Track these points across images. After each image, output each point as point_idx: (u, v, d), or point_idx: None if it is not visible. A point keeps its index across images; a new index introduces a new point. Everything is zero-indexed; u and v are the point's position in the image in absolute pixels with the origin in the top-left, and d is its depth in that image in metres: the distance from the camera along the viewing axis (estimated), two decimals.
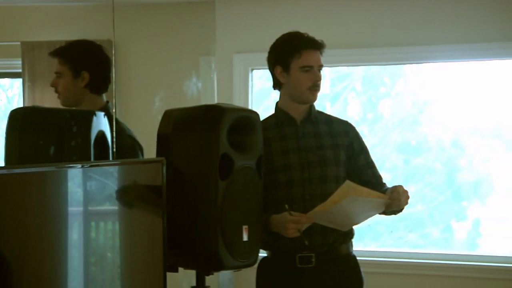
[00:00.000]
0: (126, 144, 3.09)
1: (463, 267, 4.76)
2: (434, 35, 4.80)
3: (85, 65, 3.20)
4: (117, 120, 3.22)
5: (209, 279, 2.67)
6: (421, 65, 5.15)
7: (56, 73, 3.23)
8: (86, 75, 3.18)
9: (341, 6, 4.97)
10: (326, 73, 5.30)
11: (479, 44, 4.72)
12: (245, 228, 2.60)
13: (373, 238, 5.26)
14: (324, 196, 2.86)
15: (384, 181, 3.17)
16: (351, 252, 3.12)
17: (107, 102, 3.26)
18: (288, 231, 2.82)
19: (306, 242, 2.89)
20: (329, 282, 3.03)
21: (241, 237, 2.59)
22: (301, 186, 2.99)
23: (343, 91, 5.27)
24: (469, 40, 4.74)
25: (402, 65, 5.20)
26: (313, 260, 2.98)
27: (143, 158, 3.10)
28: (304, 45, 3.03)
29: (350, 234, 3.10)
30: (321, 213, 2.80)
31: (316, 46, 3.05)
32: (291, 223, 2.81)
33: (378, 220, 5.21)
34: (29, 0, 5.48)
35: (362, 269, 3.14)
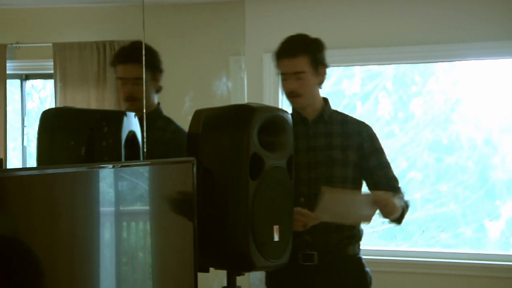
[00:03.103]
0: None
1: (496, 267, 4.71)
2: (465, 33, 4.75)
3: (161, 67, 3.24)
4: (171, 120, 3.29)
5: (240, 280, 2.66)
6: (453, 63, 5.11)
7: (135, 79, 3.18)
8: (160, 76, 3.23)
9: (371, 4, 4.94)
10: (357, 72, 5.28)
11: (511, 41, 4.67)
12: (276, 228, 2.60)
13: (405, 237, 5.23)
14: None
15: (399, 184, 3.15)
16: (357, 254, 3.12)
17: (158, 103, 3.33)
18: (296, 223, 2.82)
19: (309, 239, 2.96)
20: (331, 281, 3.04)
21: (272, 237, 2.58)
22: (306, 185, 3.00)
23: (374, 90, 5.24)
24: (501, 37, 4.69)
25: (433, 63, 5.16)
26: (315, 258, 2.99)
27: None
28: (279, 53, 3.07)
29: (356, 236, 3.10)
30: (321, 209, 2.85)
31: (289, 54, 3.03)
32: (299, 215, 2.84)
33: (409, 219, 5.18)
34: (60, 1, 5.52)
35: (368, 269, 3.12)
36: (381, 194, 2.92)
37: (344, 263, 3.07)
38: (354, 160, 3.06)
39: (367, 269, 3.13)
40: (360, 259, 3.11)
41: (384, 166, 3.13)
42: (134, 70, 3.16)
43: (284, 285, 3.10)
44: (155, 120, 3.25)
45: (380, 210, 2.93)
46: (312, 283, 3.03)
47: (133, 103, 3.20)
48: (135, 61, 3.15)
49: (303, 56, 3.02)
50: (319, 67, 3.07)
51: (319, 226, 2.94)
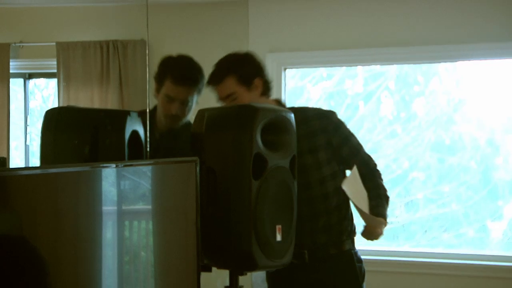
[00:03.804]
0: None
1: (498, 268, 4.71)
2: (468, 33, 4.76)
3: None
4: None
5: (242, 279, 2.67)
6: (455, 63, 5.11)
7: (183, 100, 3.21)
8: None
9: (374, 5, 4.94)
10: (359, 72, 5.28)
11: None
12: (278, 228, 2.60)
13: (407, 237, 5.23)
14: (310, 201, 2.97)
15: (374, 161, 3.13)
16: (351, 249, 3.11)
17: None
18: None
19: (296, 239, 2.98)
20: (322, 278, 3.05)
21: (275, 237, 2.59)
22: None
23: (377, 90, 5.24)
24: (504, 38, 4.69)
25: (436, 64, 5.16)
26: (306, 256, 2.99)
27: None
28: (208, 83, 3.10)
29: (345, 231, 3.09)
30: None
31: (215, 81, 3.07)
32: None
33: (412, 220, 5.18)
34: (63, 1, 5.53)
35: (362, 265, 3.12)
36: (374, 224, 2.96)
37: (334, 259, 3.07)
38: (326, 158, 3.05)
39: (362, 264, 3.12)
40: (351, 254, 3.11)
41: (356, 151, 3.10)
42: (185, 92, 3.20)
43: (280, 281, 3.11)
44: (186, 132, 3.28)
45: (365, 232, 2.98)
46: (304, 280, 3.04)
47: (174, 121, 3.25)
48: (190, 85, 3.20)
49: (228, 78, 3.01)
50: (251, 81, 3.04)
51: (305, 227, 2.95)
